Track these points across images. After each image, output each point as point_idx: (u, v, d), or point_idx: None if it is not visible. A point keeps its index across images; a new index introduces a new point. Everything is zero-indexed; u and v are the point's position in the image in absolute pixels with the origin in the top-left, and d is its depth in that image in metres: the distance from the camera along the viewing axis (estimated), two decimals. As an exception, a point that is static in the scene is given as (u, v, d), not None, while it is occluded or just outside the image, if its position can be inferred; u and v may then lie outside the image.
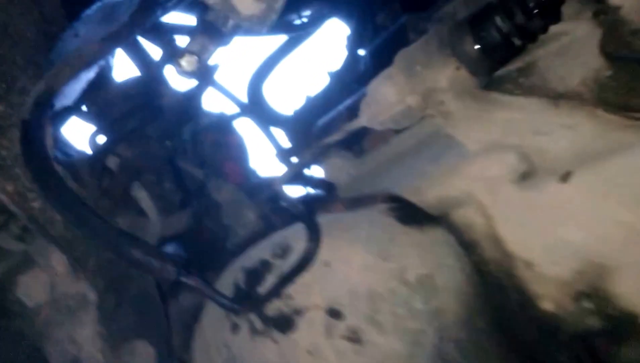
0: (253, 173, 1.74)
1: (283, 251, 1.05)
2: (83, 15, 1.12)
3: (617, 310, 0.87)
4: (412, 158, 1.15)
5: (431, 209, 1.04)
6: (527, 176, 0.96)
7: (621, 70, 0.92)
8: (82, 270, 1.12)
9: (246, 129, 1.83)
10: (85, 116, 1.38)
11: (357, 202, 1.19)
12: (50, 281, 1.13)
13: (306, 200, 1.46)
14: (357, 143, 1.31)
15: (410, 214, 1.06)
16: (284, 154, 1.83)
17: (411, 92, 1.06)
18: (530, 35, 0.99)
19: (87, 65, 1.11)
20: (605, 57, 0.93)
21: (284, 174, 1.12)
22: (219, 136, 1.75)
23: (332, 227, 1.06)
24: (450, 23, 1.05)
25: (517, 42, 0.99)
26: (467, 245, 0.99)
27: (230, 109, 1.81)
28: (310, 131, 1.39)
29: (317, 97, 1.73)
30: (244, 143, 1.77)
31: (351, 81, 1.61)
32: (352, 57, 1.74)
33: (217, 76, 1.67)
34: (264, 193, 1.49)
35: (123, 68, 1.41)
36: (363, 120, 1.14)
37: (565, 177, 0.91)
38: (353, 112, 1.21)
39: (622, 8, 0.89)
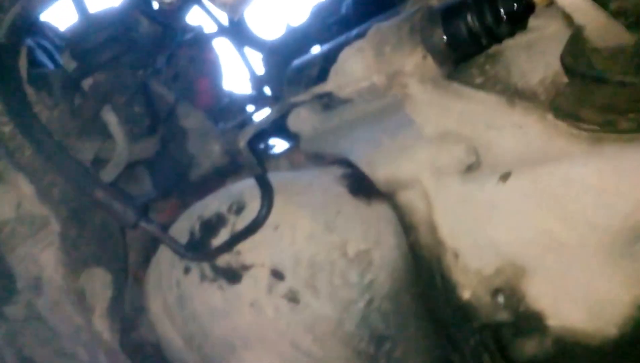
0: (225, 94, 1.77)
1: (238, 208, 1.12)
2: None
3: (527, 309, 0.96)
4: (374, 123, 1.18)
5: (380, 186, 1.09)
6: (471, 169, 1.01)
7: (576, 80, 0.93)
8: (47, 198, 1.16)
9: (223, 51, 1.84)
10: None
11: (317, 158, 1.25)
12: (17, 199, 1.16)
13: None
14: (326, 95, 1.35)
15: (361, 186, 1.12)
16: (256, 80, 1.86)
17: (378, 72, 1.09)
18: (497, 38, 1.02)
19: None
20: (564, 68, 0.95)
21: (250, 128, 1.15)
22: (196, 51, 1.75)
23: (286, 189, 1.12)
24: (424, 10, 1.07)
25: (483, 41, 1.02)
26: (406, 226, 1.06)
27: (210, 27, 1.81)
28: (285, 66, 1.41)
29: (297, 29, 1.73)
30: (219, 62, 1.79)
31: (332, 23, 1.62)
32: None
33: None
34: (231, 123, 1.52)
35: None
36: (330, 86, 1.17)
37: (505, 177, 0.96)
38: (327, 62, 1.23)
39: (585, 28, 0.91)
